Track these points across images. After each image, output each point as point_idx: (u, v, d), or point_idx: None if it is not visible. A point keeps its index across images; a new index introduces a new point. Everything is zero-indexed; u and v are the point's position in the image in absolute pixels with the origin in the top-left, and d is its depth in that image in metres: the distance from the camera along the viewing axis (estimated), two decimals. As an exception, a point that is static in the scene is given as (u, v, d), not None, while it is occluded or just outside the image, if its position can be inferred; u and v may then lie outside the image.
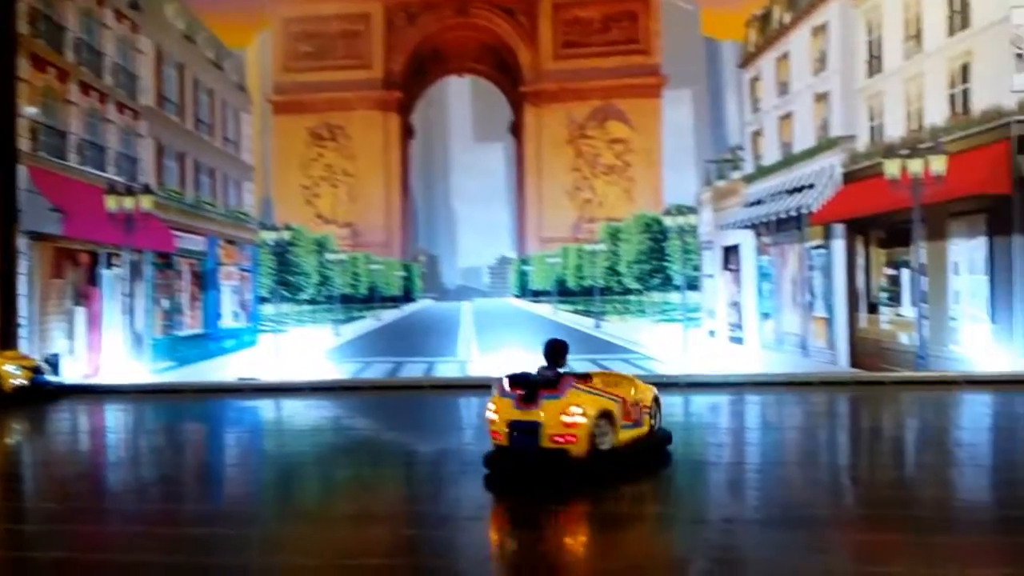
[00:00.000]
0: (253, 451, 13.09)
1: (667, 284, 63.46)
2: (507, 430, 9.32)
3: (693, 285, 43.46)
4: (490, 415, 9.54)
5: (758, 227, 32.15)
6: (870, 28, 25.04)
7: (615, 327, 53.81)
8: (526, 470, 9.26)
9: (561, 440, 9.16)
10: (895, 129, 23.20)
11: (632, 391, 9.92)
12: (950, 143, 19.15)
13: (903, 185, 18.56)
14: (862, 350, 24.62)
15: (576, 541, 7.91)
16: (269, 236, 41.50)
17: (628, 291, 70.00)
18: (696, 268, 43.60)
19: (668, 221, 50.52)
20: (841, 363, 25.36)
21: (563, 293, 79.14)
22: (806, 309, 28.73)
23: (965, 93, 20.39)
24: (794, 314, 29.77)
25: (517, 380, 9.65)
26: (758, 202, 31.74)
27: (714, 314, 39.21)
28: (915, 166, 18.51)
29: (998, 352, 18.06)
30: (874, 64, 24.89)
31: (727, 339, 36.48)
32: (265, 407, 16.77)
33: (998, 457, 11.35)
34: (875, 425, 14.29)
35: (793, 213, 27.30)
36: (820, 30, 28.06)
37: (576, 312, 65.24)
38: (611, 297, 67.62)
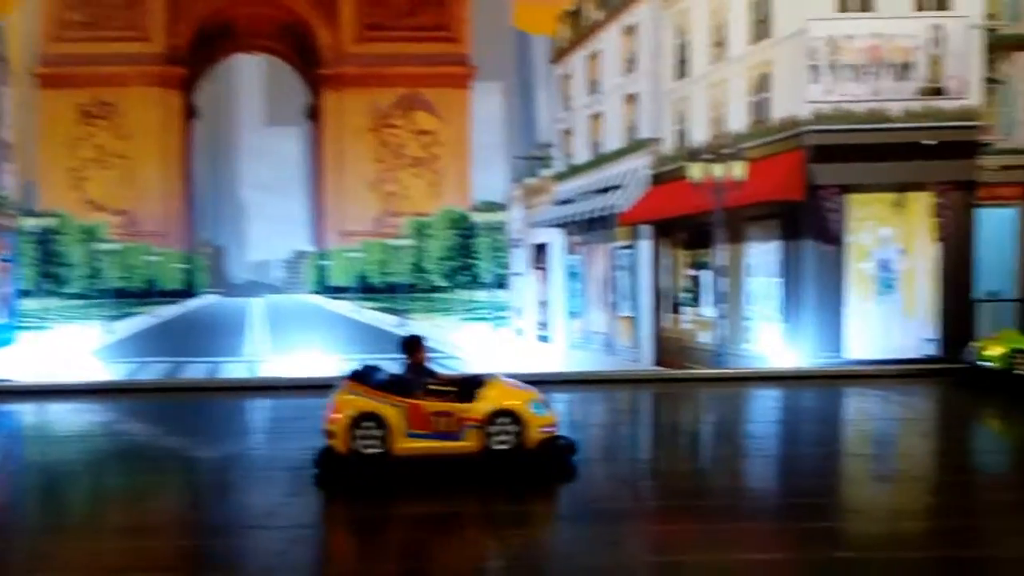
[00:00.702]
0: (10, 459, 12.21)
1: (475, 282, 64.69)
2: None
3: (502, 283, 44.31)
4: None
5: (568, 226, 32.97)
6: (678, 32, 26.35)
7: (421, 325, 54.07)
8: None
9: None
10: (700, 133, 24.60)
11: (478, 402, 9.83)
12: (750, 149, 20.55)
13: (706, 189, 19.67)
14: (665, 348, 26.06)
15: (359, 545, 8.03)
16: (31, 223, 38.67)
17: (435, 288, 70.66)
18: (505, 266, 44.48)
19: (476, 217, 51.46)
20: (645, 361, 26.70)
21: (366, 290, 78.52)
22: (613, 308, 29.92)
23: (765, 101, 21.89)
24: (601, 313, 30.90)
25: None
26: (568, 201, 32.60)
27: (522, 313, 40.42)
28: (717, 171, 19.63)
29: (788, 350, 19.69)
30: (681, 68, 26.22)
31: (535, 338, 37.81)
32: (25, 412, 15.63)
33: (784, 448, 12.46)
34: (675, 420, 15.27)
35: (602, 213, 28.20)
36: (631, 31, 29.19)
37: (380, 310, 64.94)
38: (417, 294, 67.93)
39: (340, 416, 9.59)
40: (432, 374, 10.21)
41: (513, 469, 9.68)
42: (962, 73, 19.85)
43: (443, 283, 72.15)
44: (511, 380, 10.44)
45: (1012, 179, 22.14)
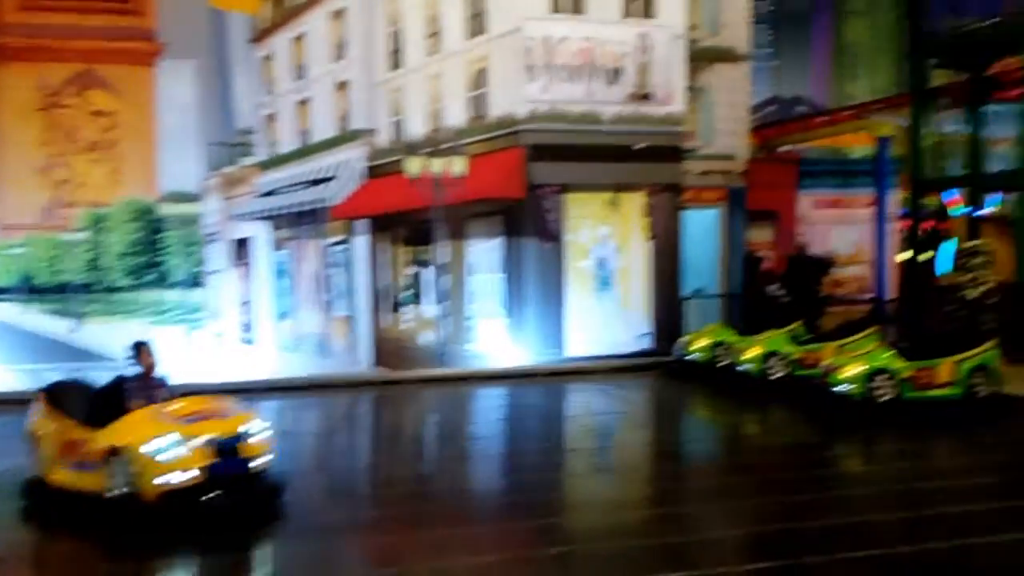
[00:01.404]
0: None
1: (163, 281, 61.10)
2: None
3: (196, 282, 41.92)
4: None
5: (274, 219, 32.01)
6: (391, 20, 26.36)
7: (99, 330, 50.22)
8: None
9: None
10: (417, 126, 24.80)
11: (105, 432, 8.28)
12: (470, 145, 20.96)
13: (425, 184, 19.81)
14: (385, 349, 26.04)
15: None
16: None
17: (116, 288, 65.89)
18: (200, 263, 42.05)
19: (165, 209, 48.44)
20: (364, 363, 26.53)
21: (34, 291, 71.70)
22: (327, 308, 29.46)
23: (483, 97, 22.42)
24: (314, 314, 30.31)
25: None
26: (274, 192, 31.68)
27: (222, 314, 38.62)
28: (436, 166, 19.81)
29: (511, 348, 20.36)
30: (396, 58, 26.26)
31: (238, 341, 36.23)
32: None
33: (507, 447, 12.94)
34: (396, 424, 15.35)
35: (312, 206, 27.66)
36: (339, 15, 28.81)
37: (50, 313, 59.63)
38: (95, 295, 63.17)
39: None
40: (157, 386, 8.87)
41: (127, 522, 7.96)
42: (667, 81, 21.45)
43: (126, 282, 67.37)
44: (210, 400, 8.85)
45: (713, 183, 24.38)
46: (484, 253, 22.10)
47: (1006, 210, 25.11)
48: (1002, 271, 18.53)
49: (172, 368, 9.37)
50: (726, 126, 24.83)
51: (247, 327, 35.76)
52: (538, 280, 20.21)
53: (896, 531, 7.80)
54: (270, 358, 32.37)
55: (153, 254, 62.18)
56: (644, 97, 21.24)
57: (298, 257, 31.47)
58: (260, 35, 35.54)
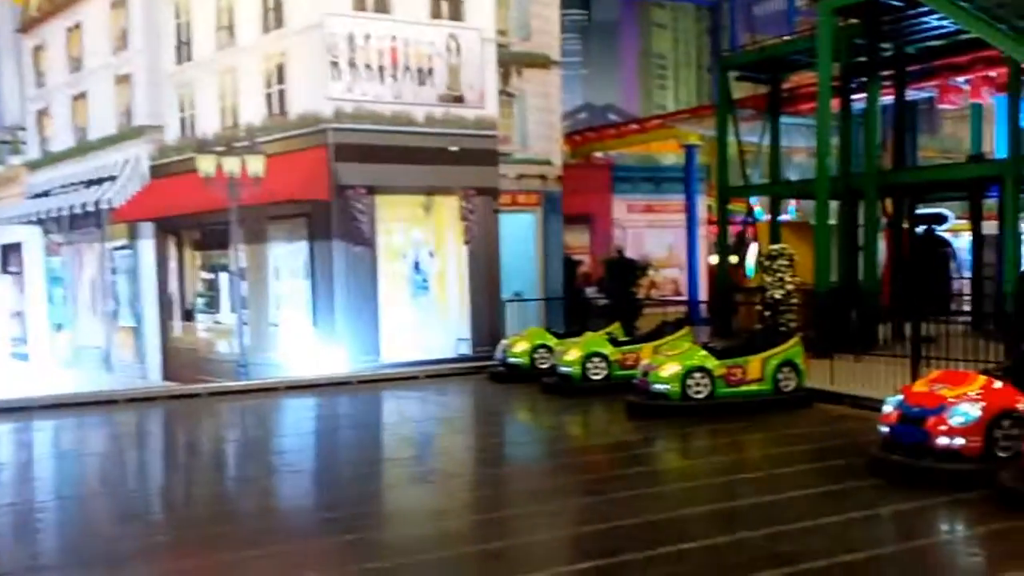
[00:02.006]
0: None
1: None
2: None
3: (-45, 293, 39.35)
4: None
5: (47, 223, 30.14)
6: (178, 11, 25.39)
7: None
8: None
9: None
10: (210, 123, 23.84)
11: None
12: (269, 144, 20.31)
13: (219, 184, 19.02)
14: (177, 361, 24.83)
15: None
16: None
17: None
18: None
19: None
20: (152, 376, 25.25)
21: None
22: (110, 318, 27.97)
23: (282, 94, 21.73)
24: (95, 324, 28.76)
25: None
26: (46, 193, 30.02)
27: None
28: (231, 165, 19.04)
29: (320, 356, 19.82)
30: (184, 51, 25.25)
31: (8, 356, 34.22)
32: None
33: (318, 460, 12.60)
34: (193, 441, 14.69)
35: (91, 208, 26.15)
36: (119, 4, 27.59)
37: None
38: None
39: None
40: None
41: None
42: (478, 84, 21.65)
43: None
44: None
45: (530, 187, 24.74)
46: (288, 257, 21.52)
47: (805, 216, 27.03)
48: (802, 273, 19.70)
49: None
50: (540, 131, 25.30)
51: (20, 341, 33.61)
52: (349, 285, 19.82)
53: (713, 522, 8.22)
54: (47, 373, 30.37)
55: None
56: (456, 99, 21.35)
57: (76, 263, 29.73)
58: (29, 24, 33.35)
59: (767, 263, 19.61)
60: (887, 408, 9.75)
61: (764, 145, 24.27)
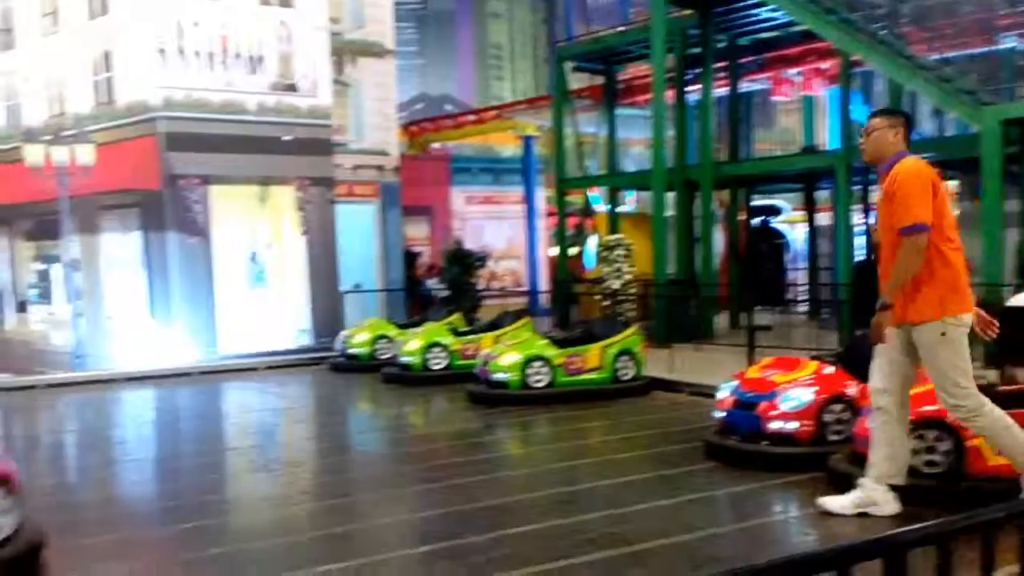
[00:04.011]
0: None
1: None
2: None
3: None
4: None
5: None
6: (-3, -3, 24.59)
7: None
8: None
9: None
10: (37, 111, 23.38)
11: None
12: (98, 133, 20.05)
13: (48, 174, 18.75)
14: (10, 353, 24.10)
15: None
16: None
17: None
18: None
19: None
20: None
21: None
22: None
23: (110, 82, 21.47)
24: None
25: None
26: None
27: None
28: (59, 154, 18.79)
29: (158, 348, 19.68)
30: (6, 37, 24.51)
31: None
32: None
33: (159, 450, 12.63)
34: (29, 433, 14.38)
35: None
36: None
37: None
38: None
39: None
40: None
41: None
42: (311, 72, 21.75)
43: None
44: None
45: (367, 178, 25.03)
46: (121, 247, 21.22)
47: (644, 207, 27.98)
48: (642, 264, 20.30)
49: None
50: (375, 121, 25.58)
51: None
52: (184, 276, 19.76)
53: (552, 507, 8.36)
54: None
55: None
56: (289, 88, 21.43)
57: None
58: None
59: (605, 254, 20.08)
60: (722, 394, 9.94)
61: (601, 136, 24.98)
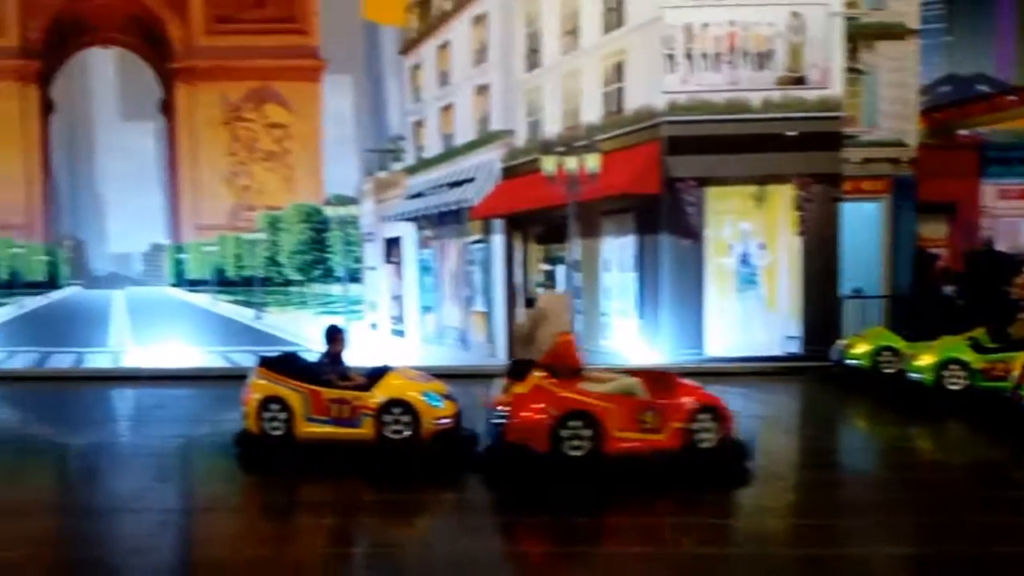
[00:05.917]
0: None
1: (329, 276, 64.62)
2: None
3: (355, 277, 43.27)
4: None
5: (420, 220, 32.15)
6: (529, 21, 25.58)
7: (276, 319, 52.84)
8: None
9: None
10: (553, 125, 23.91)
11: (374, 391, 10.07)
12: (605, 141, 19.87)
13: (559, 182, 18.90)
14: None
15: (225, 530, 8.09)
16: None
17: (289, 282, 70.48)
18: (358, 260, 43.42)
19: (329, 211, 49.86)
20: (500, 356, 25.75)
21: (223, 283, 77.37)
22: (466, 303, 29.22)
23: (619, 92, 21.29)
24: (455, 308, 30.25)
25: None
26: (420, 194, 31.70)
27: (376, 307, 39.71)
28: (571, 163, 18.94)
29: (646, 346, 19.21)
30: (533, 58, 25.37)
31: (389, 332, 37.05)
32: None
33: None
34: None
35: (454, 207, 27.46)
36: (480, 20, 28.43)
37: (236, 303, 63.79)
38: (272, 288, 67.73)
39: (250, 399, 10.26)
40: (342, 366, 10.47)
41: (409, 458, 9.86)
42: (823, 62, 19.44)
43: (297, 276, 71.62)
44: (414, 371, 10.86)
45: (876, 172, 21.97)
46: (617, 250, 21.03)
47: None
48: None
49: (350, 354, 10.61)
50: (892, 109, 22.56)
51: (398, 319, 36.65)
52: (674, 278, 18.88)
53: None
54: (416, 348, 32.90)
55: (320, 252, 66.56)
56: (797, 81, 19.34)
57: (441, 255, 31.51)
58: (408, 46, 35.87)
59: None
60: None
61: None
